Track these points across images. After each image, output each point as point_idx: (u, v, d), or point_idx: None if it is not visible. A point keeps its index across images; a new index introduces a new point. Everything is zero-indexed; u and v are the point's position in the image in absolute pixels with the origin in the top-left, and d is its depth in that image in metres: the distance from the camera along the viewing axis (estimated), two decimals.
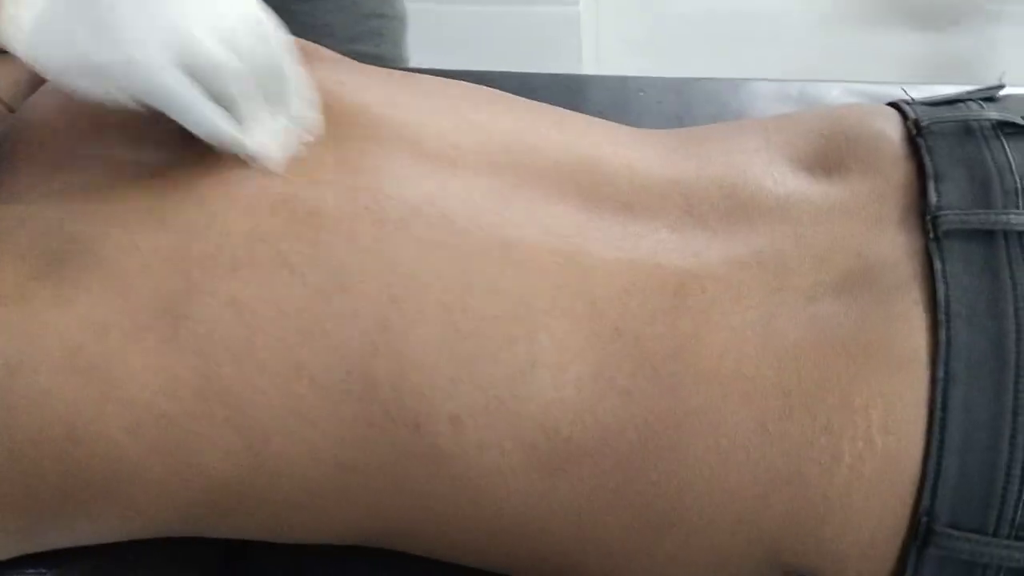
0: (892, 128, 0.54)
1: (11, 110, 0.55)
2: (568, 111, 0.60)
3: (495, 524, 0.47)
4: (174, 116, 0.46)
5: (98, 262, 0.44)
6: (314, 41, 1.00)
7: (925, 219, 0.48)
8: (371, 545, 0.52)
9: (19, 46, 0.47)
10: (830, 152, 0.54)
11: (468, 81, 0.63)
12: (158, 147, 0.50)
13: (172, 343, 0.44)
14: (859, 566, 0.46)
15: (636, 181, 0.53)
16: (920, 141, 0.51)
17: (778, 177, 0.53)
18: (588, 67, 1.64)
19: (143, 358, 0.44)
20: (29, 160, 0.51)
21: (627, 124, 0.82)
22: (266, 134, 0.49)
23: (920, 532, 0.44)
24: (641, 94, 0.86)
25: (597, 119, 0.60)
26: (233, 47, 0.47)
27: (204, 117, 0.46)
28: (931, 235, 0.47)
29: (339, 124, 0.51)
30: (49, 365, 0.43)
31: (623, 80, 0.87)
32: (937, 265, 0.46)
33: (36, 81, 0.55)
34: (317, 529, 0.50)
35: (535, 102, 0.60)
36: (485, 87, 0.60)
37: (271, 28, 0.49)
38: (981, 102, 0.54)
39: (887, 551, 0.45)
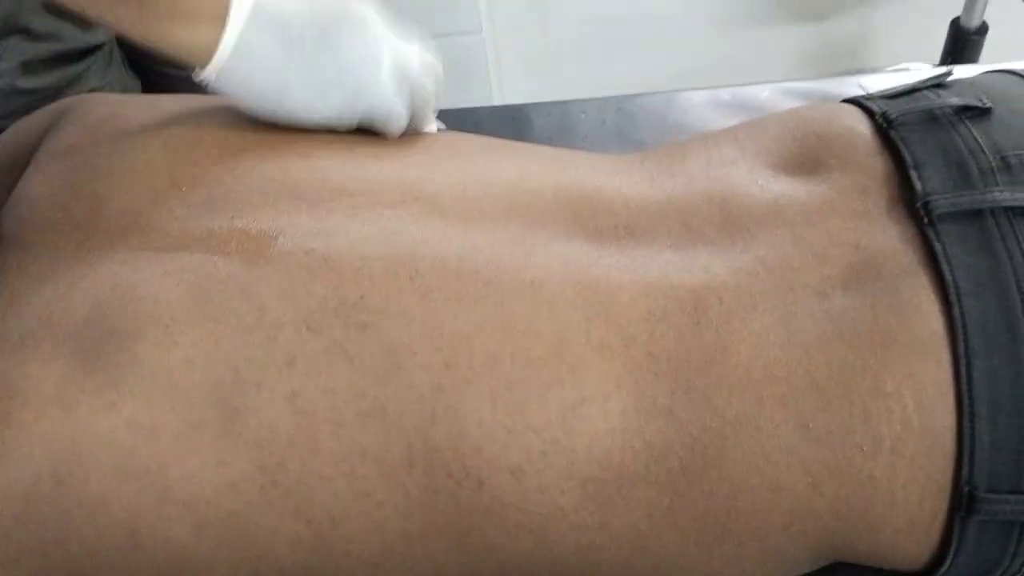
0: (861, 123, 0.57)
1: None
2: (552, 148, 0.61)
3: (556, 561, 0.48)
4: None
5: (138, 361, 0.43)
6: None
7: (915, 206, 0.51)
8: None
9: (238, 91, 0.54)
10: (806, 153, 0.56)
11: None
12: (184, 230, 0.49)
13: (228, 438, 0.43)
14: (907, 542, 0.49)
15: (631, 206, 0.54)
16: (893, 133, 0.54)
17: (763, 183, 0.55)
18: (495, 92, 1.66)
19: (199, 456, 0.43)
20: (35, 246, 0.49)
21: (576, 146, 0.85)
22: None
23: (964, 501, 0.46)
24: (583, 115, 0.88)
25: (577, 152, 0.61)
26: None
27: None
28: (925, 220, 0.50)
29: (359, 193, 0.51)
30: (100, 473, 0.42)
31: (564, 104, 0.88)
32: (938, 248, 0.49)
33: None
34: None
35: (518, 143, 0.61)
36: (466, 134, 0.61)
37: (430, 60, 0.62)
38: (935, 90, 0.57)
39: (933, 524, 0.48)
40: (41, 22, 0.80)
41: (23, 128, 0.60)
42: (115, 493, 0.42)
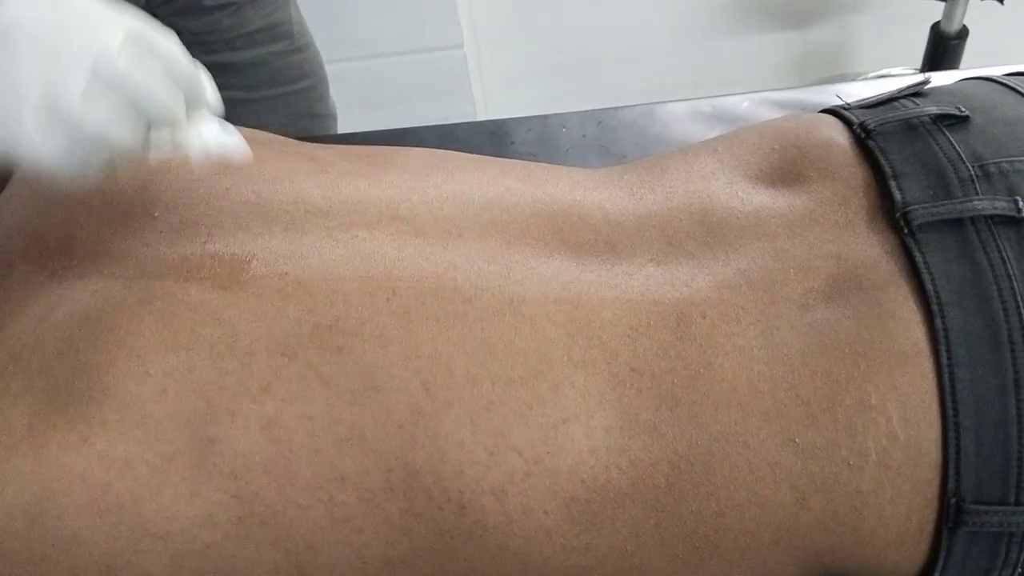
0: (839, 134, 0.56)
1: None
2: (528, 163, 0.61)
3: None
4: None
5: (110, 393, 0.42)
6: None
7: (894, 216, 0.50)
8: None
9: None
10: (785, 164, 0.56)
11: (395, 139, 0.63)
12: (156, 257, 0.48)
13: (202, 468, 0.42)
14: (896, 556, 0.48)
15: (612, 221, 0.54)
16: (872, 144, 0.54)
17: (743, 196, 0.55)
18: (479, 106, 1.66)
19: (174, 488, 0.42)
20: (6, 278, 0.48)
21: (558, 160, 0.84)
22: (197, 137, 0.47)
23: (951, 513, 0.46)
24: (564, 129, 0.87)
25: (557, 166, 0.61)
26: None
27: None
28: (905, 231, 0.50)
29: (333, 214, 0.50)
30: (74, 509, 0.41)
31: (545, 119, 0.88)
32: (919, 258, 0.48)
33: None
34: None
35: (494, 157, 0.60)
36: (442, 150, 0.60)
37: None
38: (913, 99, 0.57)
39: (921, 536, 0.47)
40: None
41: None
42: (89, 530, 0.41)
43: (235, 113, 0.94)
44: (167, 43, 0.45)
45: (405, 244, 0.50)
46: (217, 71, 0.98)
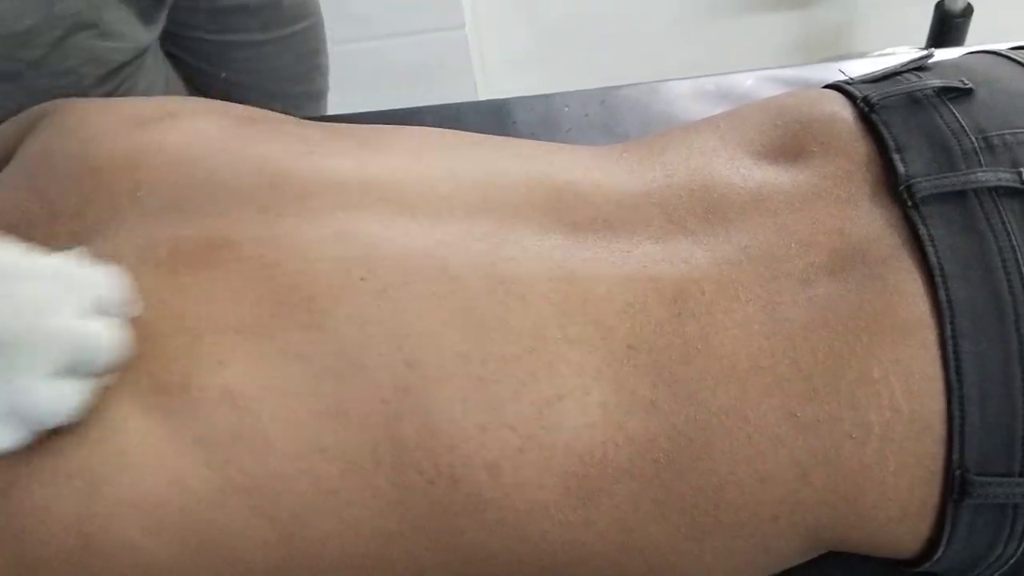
0: (842, 108, 0.56)
1: None
2: (524, 140, 0.60)
3: (543, 560, 0.47)
4: None
5: None
6: (262, 86, 1.00)
7: (898, 190, 0.50)
8: None
9: None
10: (788, 139, 0.56)
11: (397, 119, 0.62)
12: (130, 239, 0.48)
13: (169, 436, 0.42)
14: (899, 529, 0.48)
15: (611, 198, 0.54)
16: (875, 117, 0.54)
17: (745, 172, 0.54)
18: (480, 87, 1.65)
19: (141, 455, 0.42)
20: None
21: (560, 139, 0.84)
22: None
23: (955, 485, 0.46)
24: (567, 108, 0.87)
25: (555, 144, 0.60)
26: None
27: None
28: (909, 203, 0.49)
29: (316, 195, 0.50)
30: (41, 478, 0.41)
31: (547, 98, 0.88)
32: (922, 231, 0.48)
33: None
34: None
35: (490, 136, 0.60)
36: (436, 129, 0.60)
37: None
38: (916, 73, 0.57)
39: (924, 510, 0.47)
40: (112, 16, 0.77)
41: (2, 133, 0.60)
42: (61, 497, 0.41)
43: (250, 55, 0.96)
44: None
45: (390, 224, 0.49)
46: (233, 14, 0.98)
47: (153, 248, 0.47)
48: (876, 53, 1.67)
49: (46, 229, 0.49)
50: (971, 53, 0.60)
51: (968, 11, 1.62)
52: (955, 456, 0.46)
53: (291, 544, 0.44)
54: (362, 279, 0.46)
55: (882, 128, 0.53)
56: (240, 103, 0.62)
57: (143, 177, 0.50)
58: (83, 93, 0.77)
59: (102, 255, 0.47)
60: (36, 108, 0.60)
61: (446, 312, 0.46)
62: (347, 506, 0.44)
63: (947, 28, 1.63)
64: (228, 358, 0.44)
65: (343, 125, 0.59)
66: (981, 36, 1.59)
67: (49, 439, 0.42)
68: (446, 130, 0.60)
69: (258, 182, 0.51)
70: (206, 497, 0.43)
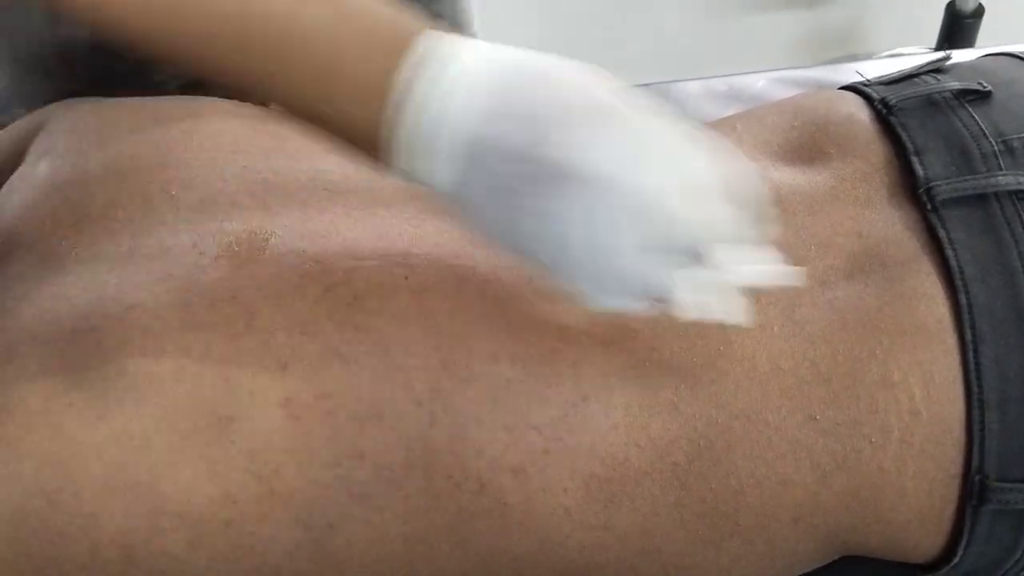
0: (860, 110, 0.56)
1: None
2: None
3: (561, 563, 0.47)
4: None
5: (126, 372, 0.42)
6: None
7: (917, 193, 0.50)
8: None
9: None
10: (805, 141, 0.56)
11: None
12: (173, 235, 0.48)
13: (220, 447, 0.42)
14: (917, 533, 0.48)
15: None
16: (893, 119, 0.54)
17: (763, 173, 0.54)
18: None
19: (192, 467, 0.42)
20: (21, 256, 0.48)
21: None
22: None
23: (975, 491, 0.46)
24: None
25: None
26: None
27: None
28: (928, 207, 0.49)
29: (352, 192, 0.50)
30: (91, 487, 0.41)
31: None
32: (942, 234, 0.48)
33: None
34: None
35: None
36: None
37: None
38: (934, 75, 0.57)
39: (943, 514, 0.47)
40: None
41: (8, 136, 0.59)
42: (107, 508, 0.41)
43: None
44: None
45: (423, 222, 0.49)
46: None
47: (203, 243, 0.47)
48: (885, 53, 1.66)
49: (77, 233, 0.49)
50: (989, 55, 0.60)
51: (979, 12, 1.61)
52: (974, 461, 0.45)
53: (320, 549, 0.44)
54: (405, 278, 0.46)
55: (900, 130, 0.53)
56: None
57: (173, 175, 0.50)
58: None
59: (154, 253, 0.47)
60: (41, 111, 0.60)
61: (476, 312, 0.46)
62: (377, 512, 0.44)
63: (957, 28, 1.62)
64: (290, 361, 0.44)
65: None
66: (991, 37, 1.58)
67: (105, 449, 0.41)
68: None
69: (296, 177, 0.50)
70: (249, 509, 0.43)
